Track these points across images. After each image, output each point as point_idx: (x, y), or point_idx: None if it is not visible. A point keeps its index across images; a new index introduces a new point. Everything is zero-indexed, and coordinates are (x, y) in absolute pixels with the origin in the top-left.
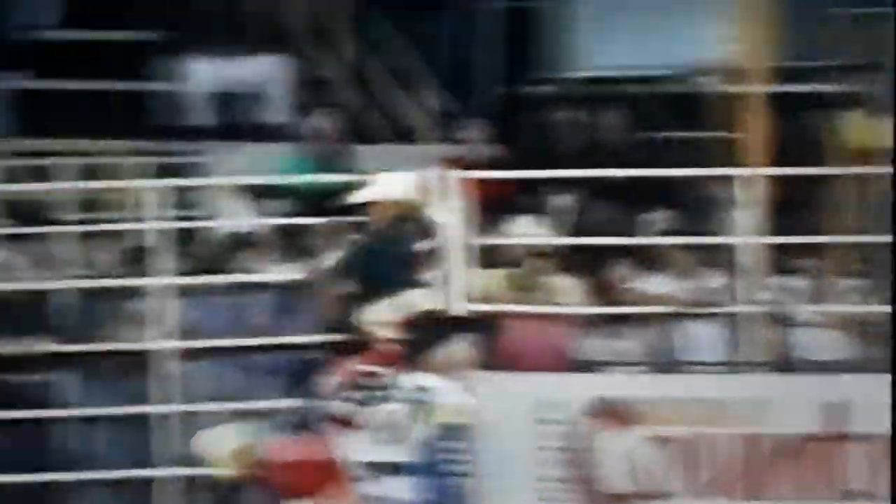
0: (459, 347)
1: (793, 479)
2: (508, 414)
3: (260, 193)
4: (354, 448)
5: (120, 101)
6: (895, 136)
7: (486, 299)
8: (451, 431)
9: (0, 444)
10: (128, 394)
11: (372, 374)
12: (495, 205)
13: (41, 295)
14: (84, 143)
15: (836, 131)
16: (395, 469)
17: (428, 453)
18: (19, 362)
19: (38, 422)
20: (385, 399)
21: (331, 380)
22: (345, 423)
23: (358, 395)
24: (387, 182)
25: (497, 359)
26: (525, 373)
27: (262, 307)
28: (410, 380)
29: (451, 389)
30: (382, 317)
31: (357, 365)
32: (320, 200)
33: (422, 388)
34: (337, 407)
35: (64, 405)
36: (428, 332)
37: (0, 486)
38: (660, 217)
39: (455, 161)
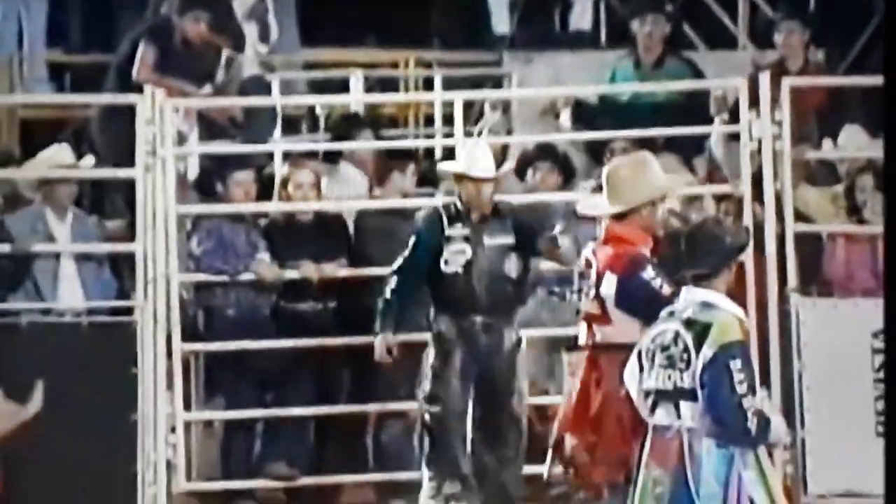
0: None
1: None
2: (839, 342)
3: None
4: (630, 374)
5: (408, 6)
6: (887, 136)
7: (809, 217)
8: (733, 350)
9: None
10: None
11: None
12: (819, 114)
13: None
14: (367, 54)
15: None
16: (676, 395)
17: (711, 375)
18: (310, 288)
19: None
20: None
21: None
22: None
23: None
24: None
25: (820, 282)
26: (853, 298)
27: None
28: (690, 295)
29: (730, 305)
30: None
31: None
32: (647, 115)
33: (706, 304)
34: None
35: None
36: (709, 242)
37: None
38: None
39: (775, 68)
